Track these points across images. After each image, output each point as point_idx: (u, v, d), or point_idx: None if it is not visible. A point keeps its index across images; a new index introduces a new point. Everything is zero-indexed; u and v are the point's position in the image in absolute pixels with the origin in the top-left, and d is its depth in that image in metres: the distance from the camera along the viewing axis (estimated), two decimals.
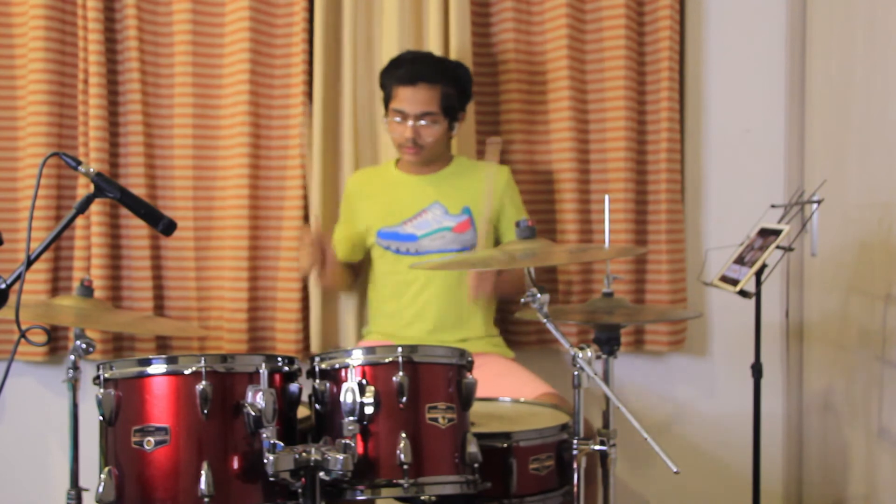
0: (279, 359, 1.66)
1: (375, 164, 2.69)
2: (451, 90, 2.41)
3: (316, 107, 2.67)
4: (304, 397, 1.71)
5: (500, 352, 2.51)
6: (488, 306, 2.52)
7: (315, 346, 2.66)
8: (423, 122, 2.37)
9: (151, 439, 1.54)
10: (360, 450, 1.62)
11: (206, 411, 1.55)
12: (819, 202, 2.25)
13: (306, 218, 2.67)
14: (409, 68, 2.40)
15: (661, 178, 2.72)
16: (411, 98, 2.36)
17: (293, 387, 1.67)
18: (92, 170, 1.63)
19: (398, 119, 2.38)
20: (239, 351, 2.64)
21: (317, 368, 1.71)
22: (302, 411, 1.75)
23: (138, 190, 2.64)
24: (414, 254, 2.43)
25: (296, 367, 1.69)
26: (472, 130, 2.69)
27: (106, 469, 1.56)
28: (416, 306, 2.44)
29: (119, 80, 2.69)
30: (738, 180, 2.83)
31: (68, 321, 1.99)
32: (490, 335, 2.52)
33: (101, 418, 1.58)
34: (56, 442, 2.75)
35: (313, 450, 1.57)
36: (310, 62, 2.67)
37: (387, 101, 2.43)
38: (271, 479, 1.55)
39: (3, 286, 1.50)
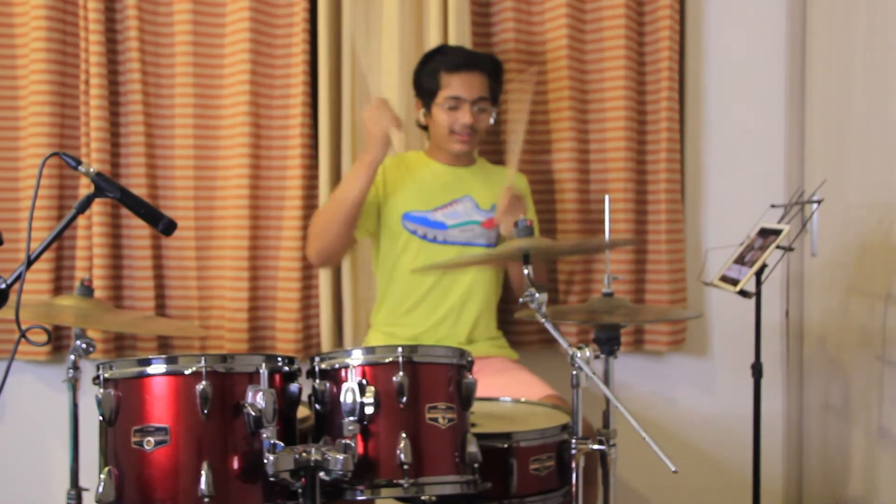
0: (279, 359, 1.66)
1: None
2: (493, 81, 2.44)
3: (319, 106, 2.67)
4: (304, 397, 1.71)
5: (504, 354, 2.51)
6: (491, 308, 2.52)
7: (326, 346, 2.67)
8: (478, 108, 2.38)
9: (151, 439, 1.54)
10: (360, 450, 1.62)
11: (206, 411, 1.55)
12: (819, 202, 2.25)
13: (306, 218, 2.67)
14: (461, 55, 2.42)
15: (660, 178, 2.72)
16: (469, 83, 2.37)
17: (293, 387, 1.67)
18: (92, 169, 1.64)
19: (452, 106, 2.36)
20: (240, 351, 2.64)
21: (317, 368, 1.71)
22: (302, 411, 1.75)
23: (139, 190, 2.64)
24: (441, 242, 2.40)
25: (296, 367, 1.69)
26: None
27: (106, 469, 1.56)
28: (438, 295, 2.42)
29: (120, 81, 2.69)
30: (738, 180, 2.83)
31: (69, 321, 1.99)
32: (494, 337, 2.51)
33: (101, 418, 1.58)
34: (56, 442, 2.75)
35: (313, 450, 1.57)
36: (310, 62, 2.68)
37: (431, 92, 2.39)
38: (271, 479, 1.55)
39: (4, 286, 1.50)
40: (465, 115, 2.36)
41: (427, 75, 2.41)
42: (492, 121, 2.45)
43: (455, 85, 2.36)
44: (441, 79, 2.37)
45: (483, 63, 2.42)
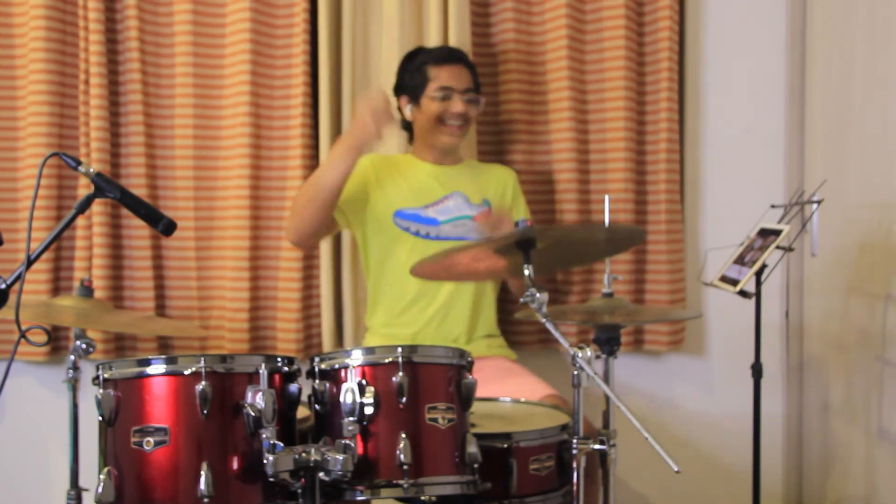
0: (279, 359, 1.65)
1: None
2: (475, 74, 2.49)
3: (319, 106, 2.67)
4: (304, 397, 1.70)
5: (503, 354, 2.51)
6: (486, 306, 2.52)
7: (327, 346, 2.67)
8: (467, 99, 2.42)
9: (151, 440, 1.54)
10: (359, 450, 1.62)
11: (205, 411, 1.54)
12: (819, 202, 2.25)
13: None
14: (445, 49, 2.49)
15: (660, 178, 2.72)
16: (458, 74, 2.42)
17: (293, 387, 1.66)
18: (92, 170, 1.64)
19: (444, 96, 2.40)
20: (240, 351, 2.64)
21: (316, 369, 1.71)
22: (302, 411, 1.75)
23: (139, 190, 2.64)
24: (434, 238, 2.41)
25: (295, 367, 1.69)
26: (472, 130, 2.69)
27: (105, 469, 1.56)
28: (433, 293, 2.41)
29: (120, 81, 2.69)
30: (738, 180, 2.83)
31: (69, 321, 1.99)
32: (491, 336, 2.51)
33: (100, 418, 1.58)
34: (56, 442, 2.75)
35: (313, 450, 1.57)
36: (311, 62, 2.68)
37: (419, 86, 2.42)
38: (271, 479, 1.54)
39: (4, 286, 1.50)
40: (456, 104, 2.40)
41: (413, 71, 2.45)
42: (480, 107, 2.49)
43: (444, 76, 2.41)
44: (429, 72, 2.42)
45: (465, 57, 2.48)
